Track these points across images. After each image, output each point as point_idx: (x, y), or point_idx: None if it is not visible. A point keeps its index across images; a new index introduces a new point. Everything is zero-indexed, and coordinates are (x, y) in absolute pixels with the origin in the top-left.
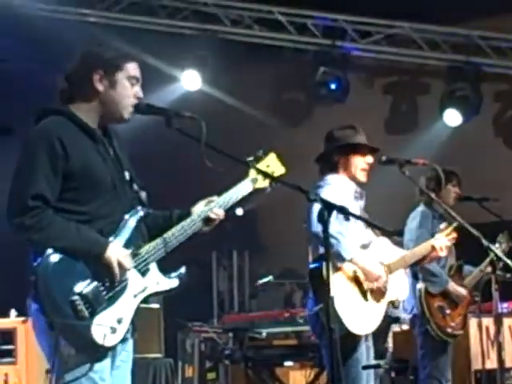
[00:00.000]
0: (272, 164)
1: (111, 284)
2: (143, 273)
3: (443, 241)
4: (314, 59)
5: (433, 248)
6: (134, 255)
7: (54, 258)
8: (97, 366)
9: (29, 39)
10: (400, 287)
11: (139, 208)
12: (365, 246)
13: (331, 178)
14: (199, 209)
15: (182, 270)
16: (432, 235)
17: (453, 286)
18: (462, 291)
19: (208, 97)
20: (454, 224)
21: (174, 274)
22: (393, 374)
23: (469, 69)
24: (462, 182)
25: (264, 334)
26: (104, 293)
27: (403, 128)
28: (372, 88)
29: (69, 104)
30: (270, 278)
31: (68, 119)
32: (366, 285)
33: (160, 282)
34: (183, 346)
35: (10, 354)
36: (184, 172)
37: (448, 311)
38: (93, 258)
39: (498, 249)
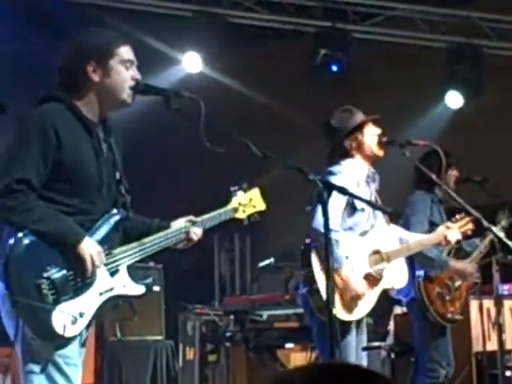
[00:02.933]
0: (255, 198)
1: (80, 277)
2: (112, 273)
3: (456, 233)
4: (314, 41)
5: (445, 238)
6: (107, 254)
7: (29, 239)
8: (62, 350)
9: (29, 20)
10: (398, 275)
11: (121, 210)
12: (364, 233)
13: (344, 165)
14: (179, 224)
15: (150, 279)
16: (431, 222)
17: (453, 264)
18: (467, 266)
19: (209, 79)
20: (471, 216)
21: (142, 282)
22: (393, 356)
23: (470, 50)
24: (461, 164)
25: (265, 317)
26: (71, 283)
27: (405, 111)
28: (373, 70)
29: (68, 94)
30: (271, 260)
31: (68, 108)
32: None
33: (127, 285)
34: (184, 328)
35: None
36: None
37: (448, 297)
38: (67, 247)
39: (497, 230)
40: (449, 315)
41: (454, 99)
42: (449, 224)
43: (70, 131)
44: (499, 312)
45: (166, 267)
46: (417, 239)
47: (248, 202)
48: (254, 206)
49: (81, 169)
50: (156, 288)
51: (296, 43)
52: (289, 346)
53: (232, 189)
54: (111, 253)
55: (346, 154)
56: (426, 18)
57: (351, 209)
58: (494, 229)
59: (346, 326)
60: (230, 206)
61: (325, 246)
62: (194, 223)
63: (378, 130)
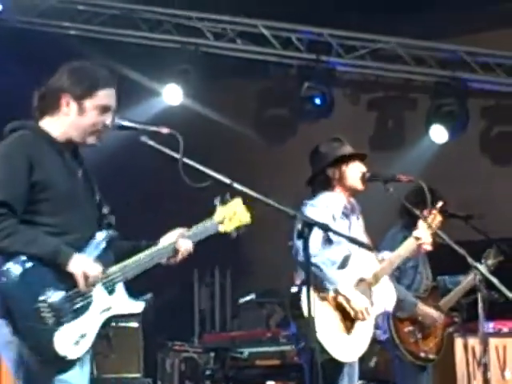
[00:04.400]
0: (238, 210)
1: (78, 296)
2: (110, 292)
3: (427, 233)
4: (298, 74)
5: (417, 239)
6: (102, 273)
7: (21, 264)
8: (63, 375)
9: (9, 52)
10: (386, 296)
11: (109, 230)
12: (343, 265)
13: (319, 198)
14: (169, 239)
15: (149, 295)
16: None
17: (421, 309)
18: (433, 313)
19: (190, 112)
20: (438, 204)
21: (140, 298)
22: None
23: (455, 84)
24: (446, 199)
25: (246, 354)
26: (70, 304)
27: (389, 144)
28: (357, 104)
29: (40, 119)
30: (252, 296)
31: (35, 133)
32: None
33: (125, 304)
34: (163, 365)
35: None
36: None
37: (419, 335)
38: (59, 266)
39: (483, 267)
40: (422, 354)
41: (439, 133)
42: (418, 225)
43: (41, 154)
44: (485, 351)
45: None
46: (394, 253)
47: (233, 214)
48: (240, 219)
49: (54, 188)
50: (134, 324)
51: (280, 76)
52: None
53: (216, 201)
54: (106, 272)
55: (326, 184)
56: (412, 51)
57: (327, 241)
58: (479, 266)
59: (338, 366)
60: (215, 219)
61: (306, 281)
62: (183, 236)
63: (364, 168)
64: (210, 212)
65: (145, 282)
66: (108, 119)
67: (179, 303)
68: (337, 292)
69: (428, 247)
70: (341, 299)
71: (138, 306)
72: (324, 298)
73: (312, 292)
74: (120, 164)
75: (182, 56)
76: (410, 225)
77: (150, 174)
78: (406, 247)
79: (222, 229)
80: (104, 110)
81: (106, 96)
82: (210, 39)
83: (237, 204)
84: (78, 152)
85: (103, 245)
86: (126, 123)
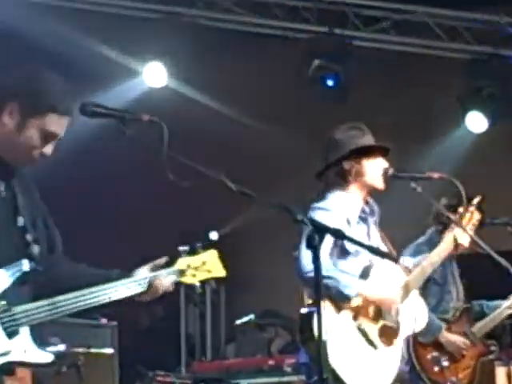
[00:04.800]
0: (210, 262)
1: None
2: (10, 334)
3: (462, 233)
4: (307, 50)
5: (455, 241)
6: (3, 311)
7: None
8: None
9: None
10: (415, 315)
11: (24, 261)
12: (364, 275)
13: (331, 200)
14: (143, 273)
15: (61, 347)
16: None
17: (444, 335)
18: (456, 340)
19: (176, 95)
20: (475, 200)
21: (49, 349)
22: None
23: (496, 62)
24: (485, 201)
25: None
26: None
27: (415, 135)
28: (377, 85)
29: None
30: (251, 317)
31: None
32: (374, 326)
33: (28, 351)
34: None
35: None
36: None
37: (446, 363)
38: None
39: None
40: None
41: (476, 121)
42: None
43: None
44: None
45: (122, 325)
46: (427, 258)
47: (200, 265)
48: (209, 271)
49: None
50: (108, 350)
51: (284, 52)
52: None
53: (180, 248)
54: (10, 309)
55: (340, 179)
56: (444, 23)
57: (342, 251)
58: None
59: None
60: (175, 268)
61: (315, 299)
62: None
63: (386, 164)
64: (171, 260)
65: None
66: (49, 149)
67: (162, 325)
68: (361, 296)
69: (465, 245)
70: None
71: (44, 357)
72: (341, 309)
73: (328, 307)
74: (91, 157)
75: (166, 29)
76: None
77: (128, 170)
78: (440, 252)
79: (182, 279)
80: (50, 137)
81: (56, 123)
82: (200, 8)
83: (209, 255)
84: (6, 164)
85: (12, 279)
86: (99, 109)
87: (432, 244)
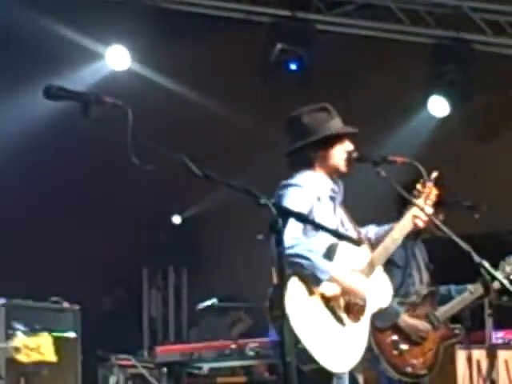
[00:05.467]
0: (45, 346)
1: None
2: None
3: (425, 208)
4: (269, 33)
5: (415, 218)
6: None
7: None
8: None
9: None
10: (382, 290)
11: None
12: (329, 252)
13: (303, 177)
14: None
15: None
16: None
17: (404, 319)
18: (417, 325)
19: (139, 78)
20: (433, 174)
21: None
22: None
23: (458, 47)
24: (448, 185)
25: (205, 370)
26: None
27: (379, 119)
28: (341, 70)
29: None
30: (214, 300)
31: None
32: (341, 303)
33: None
34: (105, 383)
35: None
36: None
37: (405, 347)
38: None
39: (499, 272)
40: (408, 369)
41: (438, 106)
42: (413, 201)
43: None
44: (492, 365)
45: (84, 308)
46: (388, 234)
47: (35, 346)
48: (43, 354)
49: None
50: (71, 334)
51: (247, 36)
52: None
53: (16, 326)
54: None
55: (307, 163)
56: (407, 7)
57: (313, 228)
58: (485, 264)
59: (327, 378)
60: (11, 344)
61: (278, 284)
62: None
63: (351, 147)
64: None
65: (83, 284)
66: None
67: (125, 309)
68: (333, 280)
69: (421, 223)
70: (335, 289)
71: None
72: (312, 292)
73: (299, 286)
74: (50, 144)
75: (128, 11)
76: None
77: (88, 155)
78: (401, 228)
79: (16, 355)
80: None
81: None
82: None
83: (44, 340)
84: None
85: None
86: (62, 92)
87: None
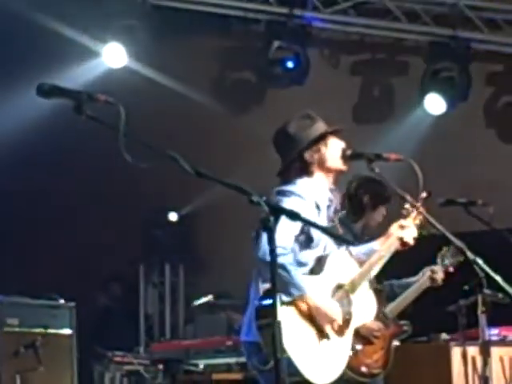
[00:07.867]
0: None
1: None
2: None
3: (412, 231)
4: (266, 31)
5: (401, 241)
6: None
7: None
8: None
9: None
10: (365, 306)
11: None
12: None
13: (300, 185)
14: None
15: None
16: None
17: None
18: (372, 325)
19: (135, 76)
20: (422, 195)
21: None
22: None
23: (455, 45)
24: (443, 183)
25: (201, 367)
26: None
27: (375, 116)
28: (337, 67)
29: None
30: (210, 297)
31: None
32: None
33: None
34: (101, 380)
35: None
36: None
37: (359, 347)
38: None
39: (438, 267)
40: (363, 368)
41: (435, 103)
42: (401, 222)
43: None
44: (486, 362)
45: (80, 305)
46: (374, 255)
47: None
48: None
49: None
50: (66, 331)
51: (244, 33)
52: None
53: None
54: None
55: (305, 170)
56: (404, 5)
57: (307, 240)
58: (480, 262)
59: None
60: None
61: (271, 282)
62: None
63: (342, 143)
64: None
65: (79, 280)
66: None
67: (121, 306)
68: (304, 299)
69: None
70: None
71: None
72: (290, 303)
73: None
74: (46, 140)
75: (126, 9)
76: None
77: (86, 152)
78: (387, 249)
79: None
80: None
81: None
82: None
83: None
84: None
85: None
86: (55, 90)
87: None
